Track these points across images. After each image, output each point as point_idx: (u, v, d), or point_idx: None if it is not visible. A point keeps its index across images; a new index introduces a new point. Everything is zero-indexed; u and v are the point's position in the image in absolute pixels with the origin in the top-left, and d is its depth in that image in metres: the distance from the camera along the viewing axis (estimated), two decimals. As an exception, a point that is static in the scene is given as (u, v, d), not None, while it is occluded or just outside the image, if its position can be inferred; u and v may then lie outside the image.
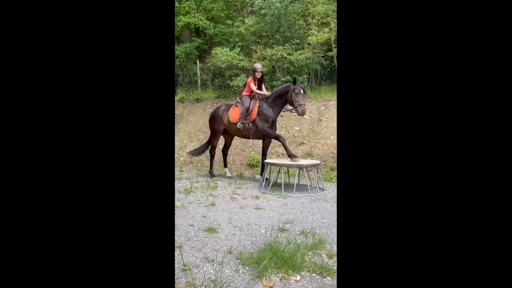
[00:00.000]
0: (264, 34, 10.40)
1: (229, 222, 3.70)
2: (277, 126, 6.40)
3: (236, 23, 10.89)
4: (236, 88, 9.64)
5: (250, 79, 6.33)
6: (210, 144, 6.97)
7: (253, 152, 8.13)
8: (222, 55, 9.67)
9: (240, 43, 10.53)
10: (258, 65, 6.37)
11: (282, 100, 5.96)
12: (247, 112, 6.19)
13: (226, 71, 10.19)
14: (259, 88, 6.32)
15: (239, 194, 5.16)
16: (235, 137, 7.07)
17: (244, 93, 6.48)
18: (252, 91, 6.28)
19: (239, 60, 9.70)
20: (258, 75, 6.27)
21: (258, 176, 6.81)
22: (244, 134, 6.33)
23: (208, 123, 7.13)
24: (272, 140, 6.42)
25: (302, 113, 5.68)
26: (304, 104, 5.71)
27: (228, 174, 6.85)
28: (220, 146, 7.38)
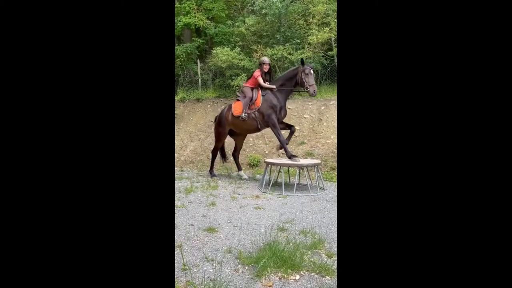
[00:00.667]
0: (264, 33, 10.41)
1: (229, 221, 3.70)
2: (287, 112, 6.28)
3: (237, 23, 10.91)
4: (237, 87, 9.65)
5: (257, 72, 6.13)
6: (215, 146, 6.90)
7: (253, 152, 8.14)
8: (222, 54, 9.68)
9: (240, 43, 10.55)
10: (265, 58, 6.24)
11: (292, 82, 5.84)
12: (251, 101, 6.06)
13: (226, 70, 10.19)
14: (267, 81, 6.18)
15: (239, 194, 5.16)
16: (242, 139, 6.96)
17: (246, 84, 6.32)
18: (257, 84, 6.12)
19: (239, 59, 9.71)
20: (266, 68, 6.12)
21: (258, 176, 6.81)
22: (251, 125, 6.15)
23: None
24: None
25: (313, 93, 5.58)
26: (315, 84, 5.63)
27: (245, 176, 6.59)
28: (230, 150, 7.34)
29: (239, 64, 9.70)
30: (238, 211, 4.16)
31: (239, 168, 6.85)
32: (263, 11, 10.06)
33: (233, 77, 9.85)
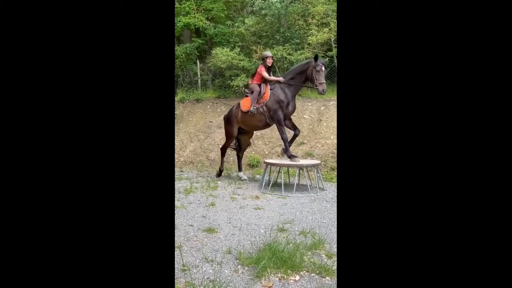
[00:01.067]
0: (264, 34, 10.41)
1: (228, 222, 3.69)
2: (295, 106, 6.16)
3: (236, 23, 10.91)
4: (237, 88, 9.65)
5: (261, 68, 6.05)
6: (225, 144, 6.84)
7: (253, 152, 8.13)
8: (222, 55, 9.69)
9: (240, 43, 10.55)
10: (268, 52, 6.17)
11: (302, 76, 5.71)
12: (259, 95, 5.98)
13: (226, 71, 10.20)
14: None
15: (239, 194, 5.16)
16: (248, 138, 6.88)
17: (252, 82, 6.26)
18: (263, 80, 6.05)
19: (239, 60, 9.72)
20: (270, 62, 6.03)
21: (258, 176, 6.81)
22: (260, 121, 6.06)
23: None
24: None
25: (322, 92, 5.44)
26: (325, 83, 5.49)
27: (244, 177, 6.54)
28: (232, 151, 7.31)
29: (239, 65, 9.71)
30: (237, 211, 4.16)
31: (240, 169, 6.81)
32: (263, 11, 10.07)
33: (232, 78, 9.85)
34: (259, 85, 6.08)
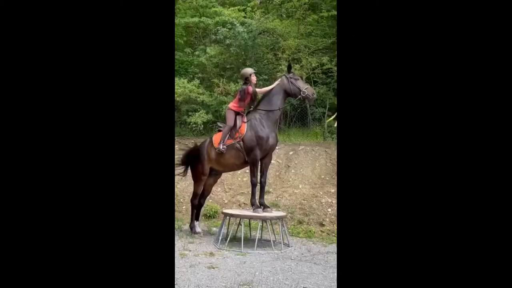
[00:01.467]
0: (228, 66, 10.50)
1: (175, 284, 3.45)
2: (278, 139, 5.94)
3: (197, 52, 10.93)
4: (194, 125, 9.46)
5: (248, 88, 5.72)
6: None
7: (210, 201, 7.90)
8: (178, 86, 9.52)
9: (200, 75, 10.52)
10: (250, 69, 6.00)
11: (281, 96, 5.61)
12: (234, 128, 5.64)
13: (182, 105, 10.07)
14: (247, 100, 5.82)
15: (190, 250, 4.94)
16: (213, 183, 6.47)
17: (231, 106, 5.87)
18: (241, 105, 5.78)
19: (198, 93, 9.57)
20: (254, 80, 5.82)
21: (214, 229, 6.55)
22: (238, 158, 5.66)
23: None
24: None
25: (314, 96, 5.45)
26: (310, 87, 5.48)
27: (198, 229, 6.05)
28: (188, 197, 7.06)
29: (198, 99, 9.53)
30: (187, 271, 3.99)
31: (197, 218, 6.26)
32: (227, 41, 9.99)
33: (190, 113, 9.67)
34: (235, 116, 5.76)
